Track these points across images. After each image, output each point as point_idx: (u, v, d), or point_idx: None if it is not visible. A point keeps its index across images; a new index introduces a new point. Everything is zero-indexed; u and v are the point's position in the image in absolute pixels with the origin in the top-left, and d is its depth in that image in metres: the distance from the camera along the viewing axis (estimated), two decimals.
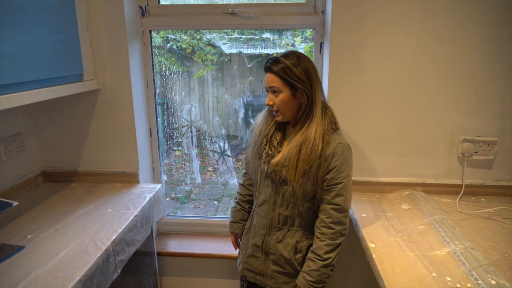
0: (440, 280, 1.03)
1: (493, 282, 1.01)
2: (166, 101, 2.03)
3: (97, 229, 1.32)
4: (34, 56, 1.25)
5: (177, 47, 1.94)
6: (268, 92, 1.26)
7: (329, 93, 1.59)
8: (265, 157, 1.29)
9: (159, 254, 1.85)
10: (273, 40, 1.80)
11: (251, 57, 1.92)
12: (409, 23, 1.50)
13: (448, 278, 1.04)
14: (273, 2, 1.71)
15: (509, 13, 1.44)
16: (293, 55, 1.20)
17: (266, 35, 1.81)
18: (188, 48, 1.96)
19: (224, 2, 1.73)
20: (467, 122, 1.57)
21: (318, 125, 1.21)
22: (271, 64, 1.21)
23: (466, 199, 1.58)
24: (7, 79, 1.12)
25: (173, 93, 2.02)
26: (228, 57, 1.94)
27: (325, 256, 1.21)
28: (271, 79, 1.21)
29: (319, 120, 1.21)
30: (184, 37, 1.93)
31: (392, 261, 1.13)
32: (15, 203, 1.21)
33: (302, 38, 1.85)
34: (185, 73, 1.99)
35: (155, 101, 1.88)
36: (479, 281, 1.02)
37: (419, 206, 1.50)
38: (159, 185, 1.74)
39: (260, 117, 1.38)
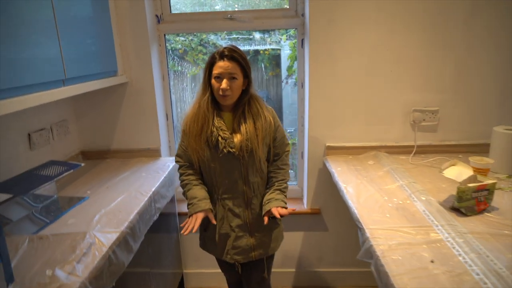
0: (389, 201, 1.49)
1: (423, 198, 1.47)
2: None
3: (139, 185, 1.75)
4: (83, 56, 1.66)
5: (172, 48, 2.32)
6: (219, 78, 1.41)
7: (310, 77, 2.04)
8: (223, 142, 1.44)
9: (179, 214, 2.28)
10: (263, 38, 2.25)
11: (247, 52, 2.36)
12: (368, 23, 1.95)
13: (395, 199, 1.50)
14: (263, 8, 2.15)
15: (443, 5, 1.91)
16: (238, 47, 1.44)
17: (259, 35, 2.26)
18: (181, 49, 2.34)
19: (223, 10, 2.17)
20: (416, 97, 2.04)
21: (259, 102, 1.50)
22: (232, 53, 1.40)
23: (418, 156, 2.04)
24: (70, 74, 1.53)
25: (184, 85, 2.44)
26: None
27: (285, 189, 1.56)
28: (233, 66, 1.40)
29: (258, 100, 1.51)
30: (177, 39, 2.31)
31: (358, 193, 1.58)
32: (82, 164, 1.63)
33: (287, 36, 2.29)
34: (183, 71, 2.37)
35: (170, 91, 2.31)
36: (415, 199, 1.48)
37: (381, 162, 1.96)
38: None
39: (189, 117, 1.50)
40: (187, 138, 1.51)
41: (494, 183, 1.38)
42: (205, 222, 1.57)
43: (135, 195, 1.64)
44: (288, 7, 2.13)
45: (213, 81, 1.43)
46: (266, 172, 1.58)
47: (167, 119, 2.33)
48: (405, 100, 2.05)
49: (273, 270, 1.76)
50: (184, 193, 1.56)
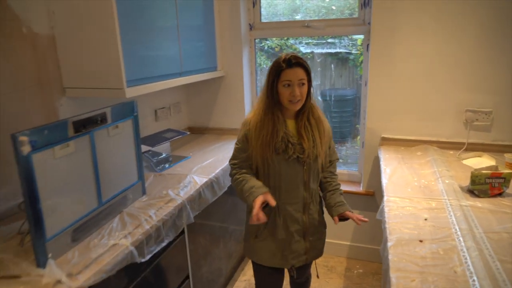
0: (417, 181, 1.80)
1: (447, 181, 1.75)
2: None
3: (225, 153, 2.35)
4: (194, 55, 2.31)
5: (268, 46, 2.86)
6: (289, 86, 1.44)
7: (370, 77, 2.39)
8: (292, 148, 1.47)
9: None
10: (334, 43, 2.66)
11: (318, 55, 2.80)
12: (427, 30, 2.21)
13: (423, 180, 1.81)
14: (335, 17, 2.56)
15: (498, 12, 2.08)
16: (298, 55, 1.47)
17: (330, 39, 2.68)
18: (277, 47, 2.87)
19: (302, 19, 2.64)
20: (469, 97, 2.23)
21: (318, 109, 1.57)
22: (299, 60, 1.44)
23: (468, 153, 2.23)
24: (185, 69, 2.18)
25: None
26: (310, 55, 2.78)
27: (341, 190, 1.66)
28: (301, 73, 1.44)
29: (317, 106, 1.57)
30: (274, 39, 2.85)
31: (393, 173, 1.92)
32: (188, 133, 2.30)
33: (362, 40, 2.65)
34: None
35: (256, 85, 2.88)
36: (440, 181, 1.77)
37: (428, 153, 2.21)
38: None
39: (254, 123, 1.50)
40: (251, 143, 1.51)
41: (510, 173, 1.60)
42: (255, 229, 1.59)
43: (221, 159, 2.24)
44: (357, 16, 2.50)
45: (282, 88, 1.45)
46: (320, 180, 1.65)
47: (251, 106, 2.92)
48: (458, 100, 2.25)
49: (330, 240, 2.15)
50: (239, 191, 1.52)
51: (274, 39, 2.85)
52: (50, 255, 1.17)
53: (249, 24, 2.74)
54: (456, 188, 1.69)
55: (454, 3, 2.13)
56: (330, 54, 2.75)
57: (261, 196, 1.42)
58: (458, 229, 1.33)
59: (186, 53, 2.16)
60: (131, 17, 1.69)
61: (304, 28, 2.61)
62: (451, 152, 2.25)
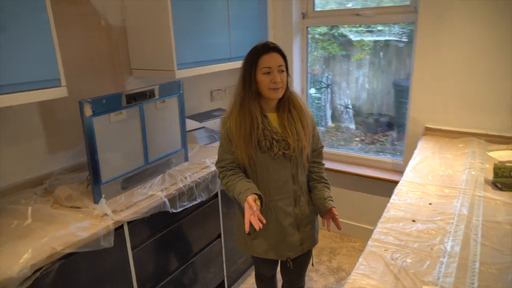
0: (443, 171, 1.80)
1: (473, 173, 1.73)
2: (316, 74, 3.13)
3: None
4: (245, 42, 2.52)
5: (339, 34, 2.91)
6: (268, 73, 1.38)
7: (416, 66, 2.36)
8: (277, 145, 1.41)
9: None
10: (384, 30, 2.66)
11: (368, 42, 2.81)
12: (476, 18, 2.11)
13: (449, 170, 1.80)
14: (386, 5, 2.55)
15: None
16: None
17: (380, 27, 2.68)
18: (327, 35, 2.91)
19: (353, 7, 2.68)
20: None
21: (298, 97, 1.49)
22: (276, 45, 1.40)
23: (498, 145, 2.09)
24: (234, 54, 2.42)
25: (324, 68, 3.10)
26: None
27: (328, 181, 1.62)
28: (280, 59, 1.40)
29: (296, 94, 1.50)
30: (323, 27, 2.91)
31: (422, 161, 1.93)
32: None
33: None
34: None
35: (307, 71, 3.01)
36: (466, 172, 1.75)
37: (470, 145, 2.13)
38: None
39: (233, 118, 1.44)
40: (233, 141, 1.46)
41: None
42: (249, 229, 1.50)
43: None
44: (409, 3, 2.46)
45: (261, 76, 1.39)
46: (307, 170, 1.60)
47: (302, 92, 3.06)
48: (511, 90, 2.12)
49: (357, 224, 2.24)
50: (232, 194, 1.47)
51: (323, 27, 2.93)
52: (103, 196, 1.53)
53: (302, 13, 2.87)
54: (480, 180, 1.66)
55: None
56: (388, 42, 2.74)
57: (250, 197, 1.34)
58: (457, 215, 1.37)
59: (236, 40, 2.39)
60: (184, 10, 1.97)
61: (355, 16, 2.66)
62: (499, 146, 2.14)
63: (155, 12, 1.91)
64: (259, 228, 1.29)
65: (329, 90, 3.10)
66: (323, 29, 2.95)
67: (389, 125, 2.98)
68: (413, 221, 1.35)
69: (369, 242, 1.23)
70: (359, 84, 2.96)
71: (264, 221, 1.31)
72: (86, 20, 1.88)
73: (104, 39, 1.99)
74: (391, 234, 1.27)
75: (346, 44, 2.88)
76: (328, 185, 1.60)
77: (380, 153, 2.91)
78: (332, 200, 1.54)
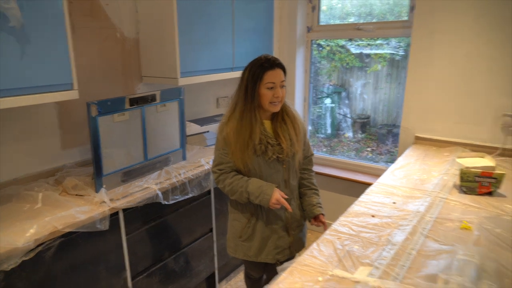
0: (419, 176, 1.91)
1: (445, 177, 1.83)
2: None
3: None
4: (248, 53, 2.73)
5: (319, 45, 3.03)
6: (272, 88, 1.46)
7: (408, 78, 2.48)
8: (272, 149, 1.50)
9: None
10: (382, 45, 2.80)
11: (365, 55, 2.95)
12: (467, 33, 2.22)
13: (424, 175, 1.90)
14: (380, 20, 2.70)
15: None
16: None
17: (379, 41, 2.82)
18: (328, 47, 3.04)
19: (354, 22, 2.84)
20: (507, 102, 2.16)
21: (291, 106, 1.60)
22: (279, 61, 1.48)
23: (501, 158, 2.16)
24: (237, 64, 2.63)
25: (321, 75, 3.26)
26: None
27: (318, 189, 1.72)
28: (282, 75, 1.49)
29: (290, 104, 1.61)
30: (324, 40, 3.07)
31: (402, 167, 2.04)
32: None
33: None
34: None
35: (310, 81, 3.18)
36: (439, 177, 1.85)
37: (456, 154, 2.22)
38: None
39: (232, 127, 1.51)
40: (230, 147, 1.52)
41: (503, 174, 1.62)
42: (239, 230, 1.63)
43: None
44: (407, 19, 2.60)
45: (264, 90, 1.46)
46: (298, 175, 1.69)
47: (304, 101, 3.23)
48: (496, 104, 2.20)
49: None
50: (239, 193, 1.51)
51: (324, 40, 3.10)
52: (104, 186, 1.76)
53: (307, 26, 3.05)
54: (449, 184, 1.77)
55: (493, 7, 2.11)
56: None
57: (277, 191, 1.47)
58: (414, 213, 1.49)
59: (240, 51, 2.60)
60: (189, 25, 2.20)
61: (356, 30, 2.81)
62: (482, 154, 2.21)
63: (163, 25, 2.16)
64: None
65: (344, 100, 3.22)
66: (325, 42, 3.12)
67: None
68: (373, 216, 1.48)
69: (326, 231, 1.37)
70: (376, 95, 3.06)
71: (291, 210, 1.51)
72: (103, 33, 2.15)
73: (119, 49, 2.25)
74: (347, 226, 1.41)
75: (363, 56, 3.01)
76: (317, 192, 1.69)
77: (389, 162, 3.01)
78: (321, 207, 1.63)
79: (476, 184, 1.66)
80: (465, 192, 1.68)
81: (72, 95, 1.68)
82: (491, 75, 2.19)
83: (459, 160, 1.81)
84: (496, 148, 2.21)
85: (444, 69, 2.34)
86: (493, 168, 1.69)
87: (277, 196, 1.46)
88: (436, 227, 1.38)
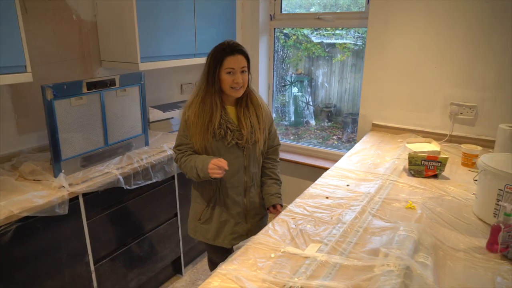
0: (373, 161, 2.02)
1: (396, 162, 1.95)
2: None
3: None
4: (211, 40, 2.73)
5: (284, 35, 3.10)
6: (231, 73, 1.47)
7: (365, 68, 2.58)
8: (231, 134, 1.52)
9: None
10: (341, 35, 2.88)
11: (327, 44, 3.03)
12: (418, 25, 2.34)
13: (378, 160, 2.02)
14: (344, 11, 2.77)
15: (486, 9, 2.13)
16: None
17: (339, 31, 2.90)
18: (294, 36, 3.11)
19: (315, 11, 2.90)
20: (455, 92, 2.31)
21: (257, 94, 1.60)
22: (241, 48, 1.48)
23: (448, 144, 2.33)
24: (199, 51, 2.63)
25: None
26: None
27: (280, 179, 1.75)
28: (243, 61, 1.49)
29: (256, 92, 1.61)
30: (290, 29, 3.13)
31: (357, 152, 2.15)
32: None
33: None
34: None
35: (273, 69, 3.22)
36: (391, 162, 1.97)
37: (407, 140, 2.36)
38: None
39: (194, 109, 1.52)
40: (190, 130, 1.54)
41: (446, 158, 1.76)
42: (199, 212, 1.66)
43: None
44: (364, 10, 2.68)
45: (224, 75, 1.48)
46: (261, 163, 1.71)
47: (269, 88, 3.27)
48: (445, 93, 2.35)
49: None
50: (190, 168, 1.53)
51: (290, 29, 3.15)
52: (63, 171, 1.73)
53: (270, 14, 3.08)
54: (399, 168, 1.89)
55: (444, 0, 2.22)
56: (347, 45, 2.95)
57: (216, 159, 1.46)
58: (365, 195, 1.59)
59: (202, 37, 2.60)
60: (148, 9, 2.17)
61: (317, 20, 2.88)
62: (432, 140, 2.36)
63: (122, 8, 2.11)
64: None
65: (311, 90, 3.29)
66: (290, 31, 3.17)
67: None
68: (327, 197, 1.57)
69: (282, 212, 1.44)
70: (342, 85, 3.13)
71: (227, 168, 1.43)
72: (58, 14, 2.08)
73: (75, 32, 2.19)
74: (302, 207, 1.48)
75: (328, 46, 3.08)
76: (278, 182, 1.71)
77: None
78: (279, 197, 1.66)
79: (422, 167, 1.78)
80: (413, 175, 1.80)
81: (25, 77, 1.63)
82: (441, 66, 2.33)
83: (408, 145, 1.94)
84: (445, 135, 2.37)
85: (398, 59, 2.46)
86: (438, 152, 1.82)
87: (214, 161, 1.44)
88: (384, 207, 1.48)
